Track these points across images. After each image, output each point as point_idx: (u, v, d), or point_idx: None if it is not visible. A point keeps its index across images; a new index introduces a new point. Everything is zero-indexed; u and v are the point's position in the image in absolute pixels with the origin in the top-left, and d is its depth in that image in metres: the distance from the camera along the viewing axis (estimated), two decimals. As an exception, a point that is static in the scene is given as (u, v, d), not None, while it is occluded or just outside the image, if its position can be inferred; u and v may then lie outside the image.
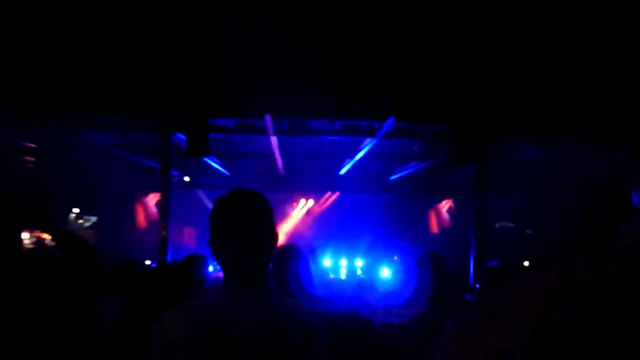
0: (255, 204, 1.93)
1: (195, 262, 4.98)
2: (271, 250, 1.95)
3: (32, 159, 13.63)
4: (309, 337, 1.83)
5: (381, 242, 14.96)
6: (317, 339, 1.84)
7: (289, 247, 3.55)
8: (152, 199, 15.48)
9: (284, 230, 16.64)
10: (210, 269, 11.76)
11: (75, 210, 18.77)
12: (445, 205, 16.26)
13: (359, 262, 14.21)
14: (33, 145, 12.36)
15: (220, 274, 2.04)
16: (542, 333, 0.74)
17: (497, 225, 16.37)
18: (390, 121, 9.19)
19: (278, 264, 3.34)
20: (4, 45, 7.10)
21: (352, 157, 12.36)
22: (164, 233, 10.07)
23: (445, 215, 16.23)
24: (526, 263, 13.94)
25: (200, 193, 16.20)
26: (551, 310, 0.75)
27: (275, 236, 1.96)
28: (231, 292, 1.86)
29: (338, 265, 14.08)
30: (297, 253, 3.45)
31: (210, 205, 1.99)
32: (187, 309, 1.88)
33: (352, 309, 3.63)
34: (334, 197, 17.26)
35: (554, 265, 0.81)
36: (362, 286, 7.97)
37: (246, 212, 1.91)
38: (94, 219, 19.10)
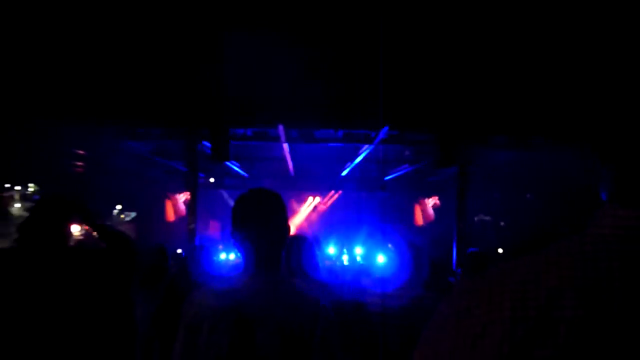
0: (271, 200, 1.93)
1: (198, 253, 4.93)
2: (284, 240, 1.94)
3: (82, 163, 13.68)
4: (317, 315, 1.82)
5: (377, 233, 14.96)
6: (323, 317, 1.83)
7: (299, 236, 3.54)
8: (182, 197, 15.48)
9: (294, 223, 16.63)
10: (223, 256, 11.80)
11: (118, 207, 18.83)
12: (431, 202, 16.23)
13: (359, 250, 14.20)
14: (82, 152, 12.40)
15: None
16: (520, 310, 0.73)
17: (475, 218, 16.32)
18: (384, 130, 9.19)
19: (289, 251, 3.33)
20: (61, 67, 7.15)
21: (352, 160, 12.37)
22: (192, 226, 10.08)
23: (431, 211, 16.20)
24: (500, 250, 13.92)
25: (223, 192, 16.23)
26: (529, 290, 0.75)
27: (287, 228, 1.95)
28: (250, 276, 1.86)
29: (341, 253, 14.09)
30: (306, 242, 3.44)
31: (231, 202, 2.00)
32: (212, 291, 1.87)
33: (352, 295, 3.61)
34: (337, 195, 17.25)
35: (534, 252, 0.81)
36: (361, 271, 7.96)
37: (264, 207, 1.90)
38: (133, 214, 19.16)
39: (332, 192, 17.11)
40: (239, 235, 1.88)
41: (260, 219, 1.87)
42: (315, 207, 17.54)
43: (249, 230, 1.86)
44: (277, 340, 1.73)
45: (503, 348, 0.73)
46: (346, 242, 14.88)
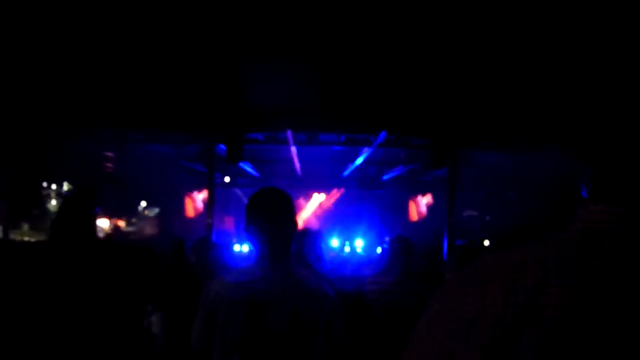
0: (281, 198, 1.93)
1: (214, 248, 4.92)
2: (293, 234, 1.95)
3: (111, 164, 13.71)
4: (323, 303, 1.82)
5: (375, 228, 14.97)
6: (329, 305, 1.83)
7: (307, 229, 3.53)
8: (200, 195, 15.50)
9: (301, 218, 16.63)
10: (237, 248, 11.82)
11: (143, 203, 18.85)
12: (424, 200, 16.21)
13: (359, 243, 14.21)
14: (111, 154, 12.43)
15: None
16: (511, 297, 0.74)
17: (464, 214, 16.29)
18: (382, 135, 9.20)
19: (298, 243, 3.32)
20: (94, 78, 7.20)
21: (353, 162, 12.37)
22: (209, 221, 10.08)
23: (424, 207, 16.18)
24: (486, 242, 13.90)
25: (237, 190, 16.23)
26: (518, 279, 0.76)
27: (296, 223, 1.96)
28: (262, 267, 1.86)
29: (343, 245, 14.09)
30: (312, 235, 3.44)
31: (244, 200, 1.99)
32: (228, 280, 1.87)
33: (354, 285, 3.60)
34: (339, 193, 17.25)
35: (522, 245, 0.82)
36: (360, 262, 7.96)
37: (275, 204, 1.91)
38: (156, 210, 19.18)
39: (335, 190, 17.09)
40: (252, 230, 1.88)
41: (271, 215, 1.88)
42: (320, 204, 17.52)
43: (261, 225, 1.87)
44: (287, 324, 1.74)
45: (496, 330, 0.73)
46: (347, 235, 14.89)
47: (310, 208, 17.41)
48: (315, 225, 16.06)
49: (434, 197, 15.68)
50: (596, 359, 0.68)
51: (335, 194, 17.27)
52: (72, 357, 2.06)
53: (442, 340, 0.78)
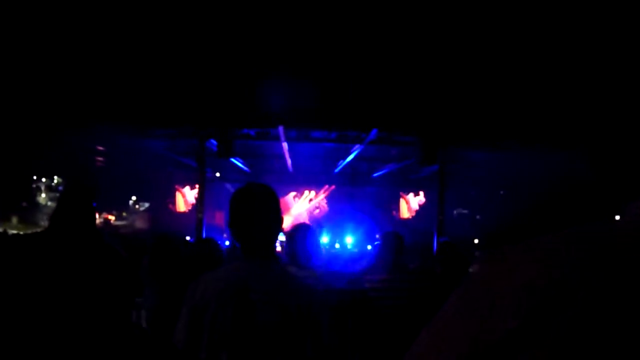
0: (265, 194, 1.92)
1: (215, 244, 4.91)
2: (278, 230, 1.94)
3: (102, 158, 13.67)
4: (311, 299, 1.84)
5: (365, 224, 15.00)
6: (316, 301, 1.85)
7: (301, 225, 3.52)
8: (191, 190, 15.48)
9: (292, 214, 16.63)
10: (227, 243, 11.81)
11: (133, 197, 18.81)
12: (416, 199, 16.27)
13: (349, 239, 14.23)
14: (102, 148, 12.38)
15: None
16: (538, 280, 0.67)
17: (454, 212, 16.38)
18: (373, 132, 9.21)
19: (293, 239, 3.30)
20: (86, 75, 7.20)
21: (345, 159, 12.38)
22: (200, 216, 10.08)
23: (416, 205, 16.24)
24: (476, 241, 13.98)
25: (228, 185, 16.19)
26: (550, 265, 0.68)
27: (281, 220, 1.95)
28: (249, 264, 1.86)
29: (333, 241, 14.11)
30: (308, 230, 3.42)
31: (235, 195, 1.98)
32: (216, 276, 1.88)
33: (352, 284, 3.62)
34: (331, 189, 17.26)
35: (553, 233, 0.76)
36: (351, 258, 7.98)
37: (259, 200, 1.90)
38: (147, 204, 19.14)
39: (326, 186, 17.09)
40: (238, 226, 1.88)
41: (255, 212, 1.87)
42: (311, 200, 17.51)
43: (246, 221, 1.87)
44: (276, 321, 1.75)
45: (519, 313, 0.67)
46: (338, 231, 14.91)
47: (302, 204, 17.41)
48: (306, 221, 16.09)
49: (425, 195, 15.74)
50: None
51: (326, 190, 17.28)
52: (66, 348, 2.07)
53: (459, 329, 0.74)
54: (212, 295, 1.77)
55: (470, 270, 0.78)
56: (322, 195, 17.34)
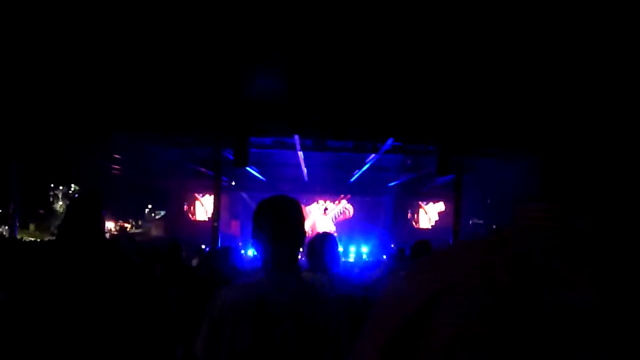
0: (291, 207, 1.89)
1: (231, 253, 4.87)
2: (301, 243, 1.91)
3: (118, 167, 13.77)
4: (331, 312, 1.80)
5: (381, 234, 14.93)
6: (337, 314, 1.81)
7: (325, 234, 3.48)
8: (207, 199, 15.52)
9: (307, 224, 16.56)
10: (250, 253, 11.77)
11: (149, 206, 18.90)
12: (434, 207, 16.18)
13: (364, 249, 14.15)
14: (119, 157, 12.46)
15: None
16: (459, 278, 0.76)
17: (470, 222, 16.26)
18: (389, 142, 9.18)
19: (314, 248, 3.27)
20: (105, 86, 7.27)
21: (360, 168, 12.35)
22: (215, 224, 10.08)
23: (433, 214, 16.16)
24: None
25: (244, 194, 16.20)
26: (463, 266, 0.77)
27: (304, 233, 1.92)
28: (270, 277, 1.82)
29: (348, 251, 14.03)
30: (331, 240, 3.39)
31: (250, 204, 1.96)
32: (236, 289, 1.85)
33: (369, 291, 3.57)
34: (346, 199, 17.21)
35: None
36: (365, 267, 7.91)
37: (284, 213, 1.87)
38: (162, 212, 19.23)
39: (342, 196, 17.03)
40: (261, 238, 1.85)
41: (280, 224, 1.84)
42: (325, 209, 17.44)
43: (270, 233, 1.83)
44: (295, 335, 1.71)
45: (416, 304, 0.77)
46: (353, 241, 14.85)
47: (316, 213, 17.34)
48: (332, 227, 16.08)
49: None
50: None
51: (342, 200, 17.21)
52: (75, 354, 2.05)
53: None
54: (231, 308, 1.74)
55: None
56: (344, 202, 17.22)
